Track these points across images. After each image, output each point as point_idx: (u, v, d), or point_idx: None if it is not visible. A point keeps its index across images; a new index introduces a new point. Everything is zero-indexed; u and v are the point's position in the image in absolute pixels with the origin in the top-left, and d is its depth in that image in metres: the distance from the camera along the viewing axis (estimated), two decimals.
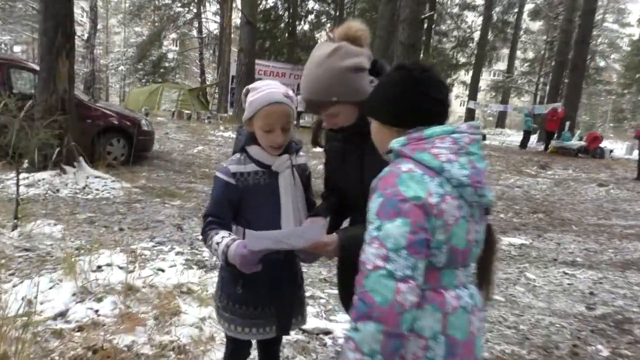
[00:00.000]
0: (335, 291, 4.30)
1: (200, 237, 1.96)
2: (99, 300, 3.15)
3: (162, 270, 4.02)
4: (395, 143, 1.38)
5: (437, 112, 1.42)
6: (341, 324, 3.59)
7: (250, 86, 1.87)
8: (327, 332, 3.42)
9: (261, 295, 1.89)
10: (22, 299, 3.06)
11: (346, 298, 2.01)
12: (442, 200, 1.28)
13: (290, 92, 1.84)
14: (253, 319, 1.91)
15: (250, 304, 1.90)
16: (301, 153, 2.01)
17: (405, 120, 1.41)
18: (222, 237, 1.79)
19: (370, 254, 1.24)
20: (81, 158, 7.75)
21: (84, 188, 7.15)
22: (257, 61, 20.10)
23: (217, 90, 27.17)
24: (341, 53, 1.67)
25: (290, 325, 1.99)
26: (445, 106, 1.44)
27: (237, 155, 1.90)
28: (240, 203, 1.87)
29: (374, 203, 1.30)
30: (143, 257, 4.45)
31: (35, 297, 3.08)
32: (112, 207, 6.45)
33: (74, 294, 3.19)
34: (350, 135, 1.80)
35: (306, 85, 1.73)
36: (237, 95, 19.60)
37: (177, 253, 4.78)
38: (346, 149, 1.84)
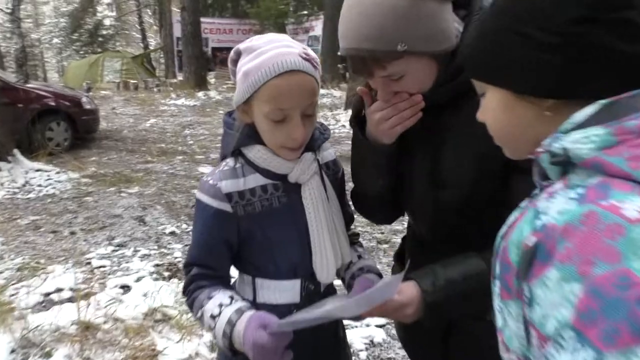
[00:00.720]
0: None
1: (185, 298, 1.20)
2: (48, 355, 2.37)
3: (128, 288, 3.26)
4: (586, 142, 0.59)
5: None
6: (359, 329, 2.94)
7: (242, 45, 1.06)
8: None
9: None
10: None
11: (406, 339, 1.40)
12: None
13: (311, 51, 1.04)
14: None
15: None
16: (327, 144, 1.22)
17: (575, 84, 0.64)
18: (219, 307, 1.07)
19: None
20: (16, 150, 6.71)
21: (23, 185, 6.16)
22: (201, 19, 18.68)
23: (162, 55, 25.69)
24: None
25: None
26: None
27: (229, 162, 1.11)
28: (243, 240, 1.12)
29: (553, 294, 0.53)
30: (101, 270, 3.66)
31: None
32: (59, 205, 5.54)
33: (12, 351, 2.40)
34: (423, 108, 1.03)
35: (353, 27, 0.95)
36: (185, 58, 18.28)
37: (143, 257, 4.03)
38: (411, 127, 1.05)
